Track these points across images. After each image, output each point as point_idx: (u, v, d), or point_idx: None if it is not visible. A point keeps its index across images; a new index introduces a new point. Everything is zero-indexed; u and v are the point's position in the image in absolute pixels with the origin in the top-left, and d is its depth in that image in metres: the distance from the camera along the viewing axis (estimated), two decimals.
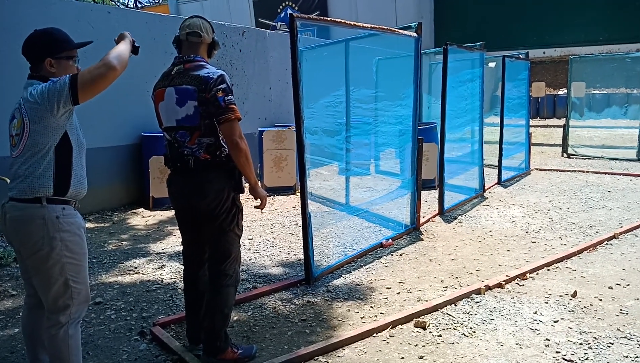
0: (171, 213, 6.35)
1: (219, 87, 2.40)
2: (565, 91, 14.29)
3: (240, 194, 2.64)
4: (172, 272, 4.24)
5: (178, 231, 5.50)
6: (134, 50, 2.26)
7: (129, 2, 29.95)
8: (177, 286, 3.92)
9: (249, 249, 4.83)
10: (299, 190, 3.81)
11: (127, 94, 6.66)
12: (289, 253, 4.70)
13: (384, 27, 4.71)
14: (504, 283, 3.77)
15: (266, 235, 5.33)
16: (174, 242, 5.10)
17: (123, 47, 2.16)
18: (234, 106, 2.43)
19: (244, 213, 2.73)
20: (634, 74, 10.66)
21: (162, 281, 4.06)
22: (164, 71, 2.61)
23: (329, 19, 3.90)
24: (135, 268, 4.38)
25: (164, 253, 4.79)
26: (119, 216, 6.24)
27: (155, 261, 4.55)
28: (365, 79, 7.79)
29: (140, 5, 28.46)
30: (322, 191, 7.38)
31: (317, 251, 4.65)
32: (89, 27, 6.16)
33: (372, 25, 4.42)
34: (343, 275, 4.06)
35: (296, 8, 16.98)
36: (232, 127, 2.43)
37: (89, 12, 6.30)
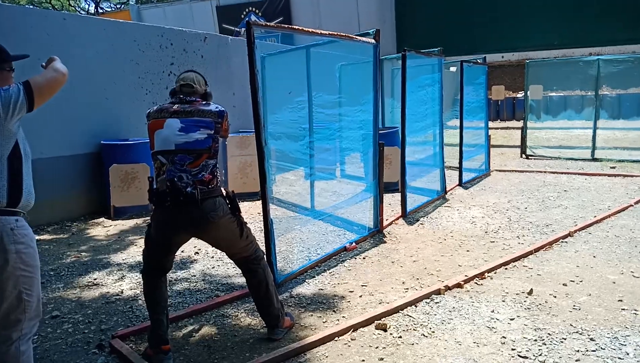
0: (133, 222, 6.24)
1: (227, 119, 2.99)
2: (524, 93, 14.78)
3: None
4: (132, 283, 4.17)
5: (140, 241, 5.45)
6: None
7: (90, 8, 29.31)
8: (137, 297, 3.85)
9: (212, 257, 4.79)
10: (262, 196, 3.80)
11: (86, 101, 6.53)
12: None
13: (342, 33, 4.77)
14: (463, 283, 3.86)
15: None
16: (135, 252, 5.01)
17: (58, 65, 2.23)
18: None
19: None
20: (588, 77, 11.07)
21: (122, 292, 3.98)
22: (160, 106, 2.90)
23: (286, 26, 3.93)
24: (95, 279, 4.29)
25: (124, 263, 4.70)
26: (79, 227, 6.09)
27: (115, 272, 4.46)
28: (328, 84, 7.85)
29: (101, 11, 27.88)
30: (288, 196, 7.39)
31: (282, 257, 4.66)
32: (43, 34, 6.02)
33: (331, 32, 4.47)
34: (307, 281, 4.07)
35: (260, 14, 16.97)
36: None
37: (43, 18, 6.14)
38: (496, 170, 9.26)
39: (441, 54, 7.19)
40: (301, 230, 5.56)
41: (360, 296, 3.72)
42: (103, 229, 5.99)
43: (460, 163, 8.07)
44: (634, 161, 9.55)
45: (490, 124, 19.09)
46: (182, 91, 2.92)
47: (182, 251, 4.94)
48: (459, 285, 3.84)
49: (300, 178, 8.29)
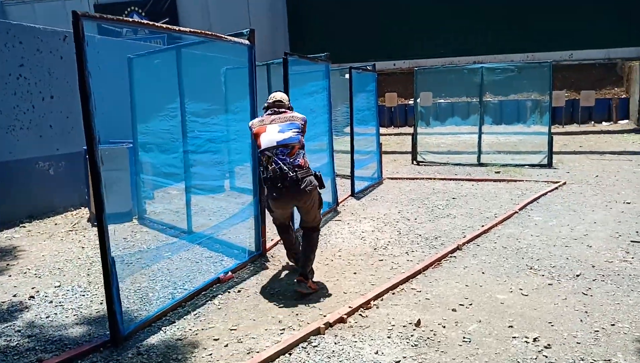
0: None
1: (306, 122, 4.15)
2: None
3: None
4: None
5: None
6: None
7: None
8: None
9: (51, 301, 3.90)
10: (98, 228, 3.06)
11: None
12: (102, 302, 3.87)
13: (209, 32, 4.14)
14: (346, 316, 3.40)
15: (80, 279, 4.42)
16: None
17: None
18: None
19: None
20: (473, 84, 11.42)
21: None
22: (259, 118, 4.15)
23: (131, 20, 3.22)
24: None
25: None
26: None
27: None
28: (212, 90, 7.17)
29: None
30: (164, 215, 6.56)
31: (140, 295, 3.93)
32: None
33: (193, 30, 3.83)
34: (163, 328, 3.37)
35: (143, 14, 15.75)
36: None
37: None
38: (388, 178, 9.11)
39: (328, 59, 6.79)
40: (171, 258, 4.81)
41: (226, 346, 3.10)
42: None
43: (352, 172, 7.76)
44: (516, 166, 9.91)
45: (384, 130, 19.45)
46: (274, 105, 4.15)
47: (14, 296, 4.01)
48: (341, 320, 3.37)
49: (182, 193, 7.50)
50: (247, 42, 4.58)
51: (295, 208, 4.28)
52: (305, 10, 16.90)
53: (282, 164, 3.83)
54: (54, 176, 7.20)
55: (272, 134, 3.92)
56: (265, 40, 15.72)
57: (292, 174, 3.82)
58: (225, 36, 4.37)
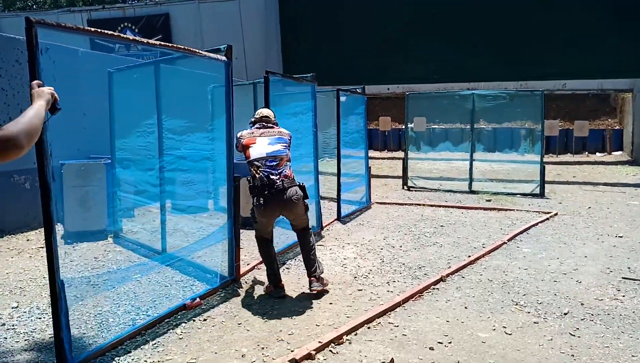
0: None
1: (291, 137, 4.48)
2: (412, 125, 14.95)
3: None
4: None
5: None
6: (52, 110, 1.92)
7: None
8: None
9: (4, 324, 3.64)
10: (47, 249, 2.82)
11: None
12: None
13: (181, 46, 3.98)
14: (314, 352, 3.15)
15: (41, 299, 4.17)
16: None
17: (34, 115, 1.65)
18: None
19: None
20: (465, 110, 11.32)
21: None
22: (248, 130, 4.34)
23: (82, 27, 3.04)
24: None
25: None
26: None
27: None
28: (198, 107, 6.99)
29: None
30: (140, 235, 6.31)
31: (100, 320, 3.67)
32: None
33: (163, 43, 3.65)
34: (117, 359, 3.12)
35: (137, 30, 15.70)
36: None
37: None
38: (377, 202, 8.90)
39: (314, 80, 6.65)
40: (140, 280, 4.56)
41: None
42: None
43: (339, 196, 7.56)
44: (507, 194, 9.73)
45: (378, 154, 19.38)
46: (262, 120, 4.36)
47: None
48: (309, 356, 3.12)
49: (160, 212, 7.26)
50: (224, 58, 4.40)
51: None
52: (298, 31, 16.93)
53: (270, 173, 4.05)
54: (30, 189, 6.96)
55: (262, 146, 4.16)
56: (257, 59, 15.69)
57: (279, 182, 4.04)
58: (201, 51, 4.20)
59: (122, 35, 3.35)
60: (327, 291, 4.35)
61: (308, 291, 4.31)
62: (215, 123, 4.94)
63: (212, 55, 4.24)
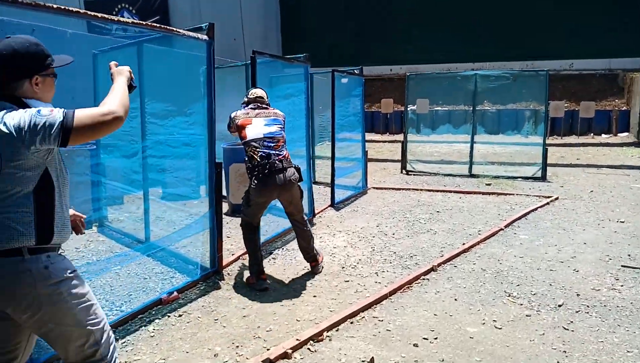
0: None
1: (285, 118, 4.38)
2: (412, 107, 14.58)
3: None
4: None
5: None
6: (130, 87, 2.03)
7: None
8: None
9: None
10: None
11: None
12: None
13: (157, 25, 3.76)
14: (290, 351, 2.98)
15: None
16: None
17: (123, 89, 1.93)
18: None
19: None
20: (468, 92, 11.00)
21: None
22: (243, 111, 4.24)
23: (33, 2, 2.82)
24: None
25: None
26: None
27: None
28: (189, 91, 6.77)
29: None
30: (125, 223, 6.14)
31: None
32: None
33: (135, 21, 3.45)
34: None
35: (134, 11, 15.37)
36: None
37: None
38: (374, 187, 8.69)
39: (307, 60, 6.39)
40: (119, 272, 4.41)
41: None
42: None
43: (332, 181, 7.35)
44: (508, 178, 9.48)
45: (379, 137, 19.05)
46: (256, 100, 4.27)
47: None
48: (285, 355, 2.95)
49: (149, 199, 7.08)
50: (205, 37, 4.16)
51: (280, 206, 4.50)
52: (299, 13, 16.55)
53: (269, 153, 4.00)
54: None
55: (258, 127, 4.08)
56: (257, 41, 15.35)
57: (278, 162, 4.00)
58: (180, 30, 3.97)
59: (88, 12, 3.13)
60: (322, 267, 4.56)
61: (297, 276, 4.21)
62: (197, 107, 4.74)
63: (192, 34, 4.00)
